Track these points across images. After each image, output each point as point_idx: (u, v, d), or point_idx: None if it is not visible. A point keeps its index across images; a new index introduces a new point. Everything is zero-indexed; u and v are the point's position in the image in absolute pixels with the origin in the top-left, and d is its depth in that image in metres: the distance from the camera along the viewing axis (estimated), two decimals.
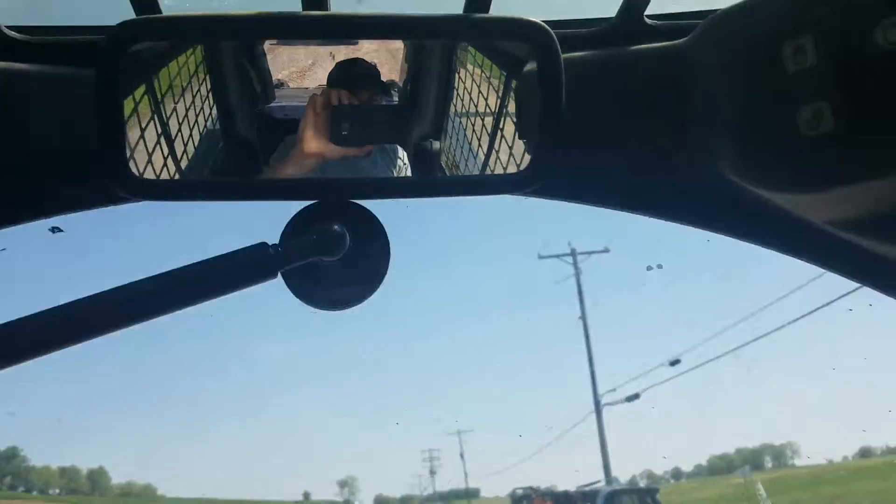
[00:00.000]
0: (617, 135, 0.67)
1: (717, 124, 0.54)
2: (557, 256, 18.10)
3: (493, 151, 0.81)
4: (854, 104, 0.47)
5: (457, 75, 0.83)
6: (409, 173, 0.83)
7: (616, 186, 0.70)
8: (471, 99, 0.83)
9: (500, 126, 0.80)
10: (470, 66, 0.83)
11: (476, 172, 0.86)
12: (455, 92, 0.84)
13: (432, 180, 0.84)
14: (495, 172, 0.77)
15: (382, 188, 0.74)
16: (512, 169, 0.72)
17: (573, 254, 17.95)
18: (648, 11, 0.66)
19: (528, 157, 0.67)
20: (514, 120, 0.74)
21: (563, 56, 0.64)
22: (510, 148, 0.73)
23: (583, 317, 17.53)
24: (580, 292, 17.58)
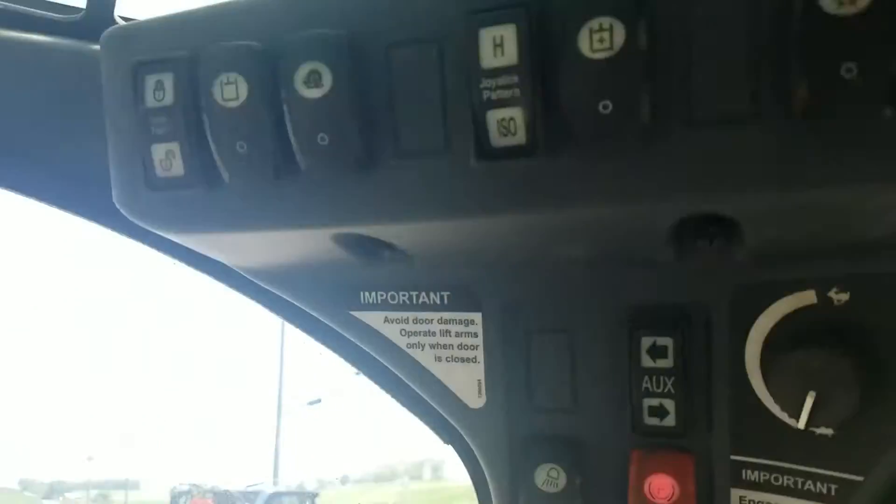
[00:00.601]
0: (55, 130, 0.63)
1: None
2: None
3: None
4: (201, 152, 0.47)
5: None
6: None
7: (53, 184, 0.66)
8: None
9: None
10: None
11: None
12: None
13: None
14: None
15: None
16: None
17: None
18: (125, 12, 0.63)
19: None
20: None
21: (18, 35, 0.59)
22: None
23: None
24: None
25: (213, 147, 0.46)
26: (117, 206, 0.51)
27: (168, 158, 0.47)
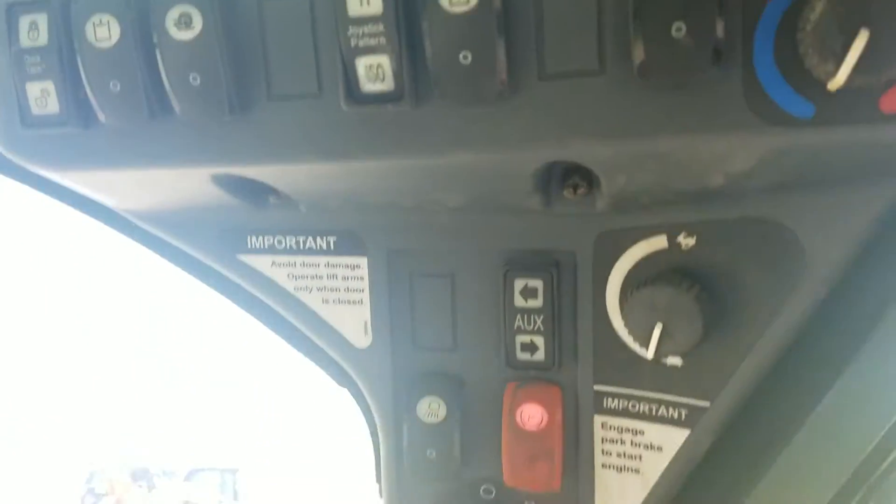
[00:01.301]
0: None
1: None
2: None
3: None
4: (75, 91, 0.48)
5: None
6: None
7: None
8: None
9: None
10: None
11: None
12: None
13: None
14: None
15: None
16: None
17: None
18: None
19: None
20: None
21: None
22: None
23: None
24: None
25: (86, 86, 0.46)
26: None
27: (43, 97, 0.47)
